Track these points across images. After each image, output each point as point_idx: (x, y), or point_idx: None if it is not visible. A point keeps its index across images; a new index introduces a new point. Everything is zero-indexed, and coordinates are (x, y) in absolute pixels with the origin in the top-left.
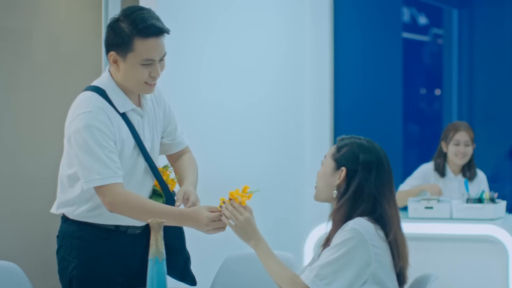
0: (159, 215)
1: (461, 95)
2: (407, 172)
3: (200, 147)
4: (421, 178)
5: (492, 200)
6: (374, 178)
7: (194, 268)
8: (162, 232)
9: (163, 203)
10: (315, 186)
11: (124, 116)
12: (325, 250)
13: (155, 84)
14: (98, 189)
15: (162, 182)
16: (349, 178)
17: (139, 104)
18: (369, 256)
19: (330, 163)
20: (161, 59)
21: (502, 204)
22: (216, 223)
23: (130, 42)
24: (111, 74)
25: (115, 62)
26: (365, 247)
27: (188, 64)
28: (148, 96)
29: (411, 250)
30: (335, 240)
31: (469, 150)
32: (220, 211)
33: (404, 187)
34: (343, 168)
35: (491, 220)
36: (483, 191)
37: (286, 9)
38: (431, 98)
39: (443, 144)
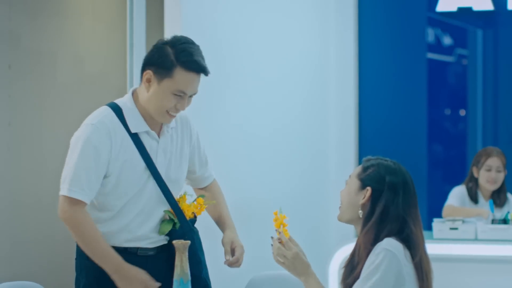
0: (100, 251)
1: (486, 116)
2: (431, 192)
3: (224, 170)
4: (460, 200)
5: None
6: (401, 200)
7: (224, 285)
8: (187, 253)
9: (175, 229)
10: (340, 207)
11: (135, 137)
12: (362, 276)
13: (175, 116)
14: (63, 198)
15: (177, 209)
16: (374, 198)
17: (159, 130)
18: (403, 276)
19: (355, 183)
20: (191, 96)
21: None
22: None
23: (171, 68)
24: (132, 96)
25: (148, 81)
26: (399, 267)
27: (212, 87)
28: (172, 125)
29: (436, 271)
30: (369, 265)
31: (501, 176)
32: None
33: (454, 203)
34: (368, 188)
35: None
36: (508, 212)
37: (311, 31)
38: (455, 118)
39: (474, 170)
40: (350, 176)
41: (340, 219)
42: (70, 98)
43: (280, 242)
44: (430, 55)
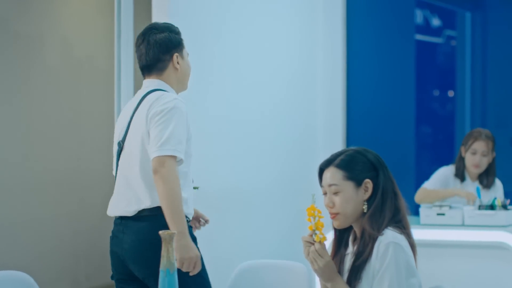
0: (180, 210)
1: (474, 97)
2: (420, 173)
3: (212, 159)
4: (441, 182)
5: (504, 206)
6: (387, 173)
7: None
8: (173, 244)
9: None
10: (336, 216)
11: None
12: (378, 275)
13: None
14: (166, 157)
15: None
16: (375, 186)
17: None
18: (412, 267)
19: (348, 185)
20: None
21: None
22: None
23: (182, 43)
24: (163, 82)
25: (177, 57)
26: (407, 258)
27: (199, 72)
28: None
29: (423, 256)
30: (381, 262)
31: (485, 160)
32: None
33: (430, 186)
34: (367, 180)
35: (503, 226)
36: (495, 198)
37: (299, 13)
38: (444, 100)
39: (462, 149)
40: (327, 185)
41: (341, 226)
42: (57, 81)
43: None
44: (419, 37)
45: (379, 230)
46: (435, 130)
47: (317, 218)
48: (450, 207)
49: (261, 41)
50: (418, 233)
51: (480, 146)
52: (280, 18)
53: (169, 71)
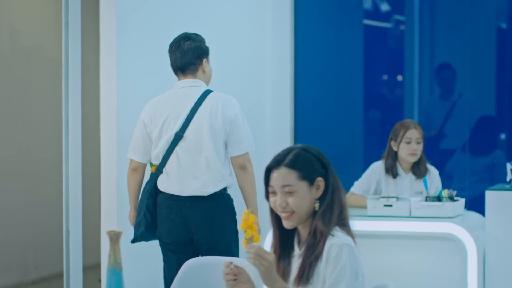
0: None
1: (422, 81)
2: (368, 158)
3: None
4: (370, 181)
5: (451, 198)
6: (332, 167)
7: (156, 274)
8: (119, 243)
9: None
10: (290, 216)
11: None
12: (331, 278)
13: None
14: (247, 154)
15: None
16: (326, 183)
17: None
18: (361, 267)
19: (302, 185)
20: None
21: (461, 202)
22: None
23: (208, 48)
24: (203, 82)
25: (206, 62)
26: (358, 259)
27: (144, 65)
28: None
29: (370, 247)
30: (335, 265)
31: (420, 147)
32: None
33: (356, 190)
34: (320, 179)
35: (449, 218)
36: (442, 189)
37: (246, 0)
38: (392, 84)
39: (392, 144)
40: (280, 186)
41: (294, 226)
42: (5, 70)
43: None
44: (367, 22)
45: (329, 227)
46: (384, 114)
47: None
48: (398, 198)
49: (208, 31)
50: (365, 225)
51: (413, 134)
52: (228, 7)
53: (199, 73)
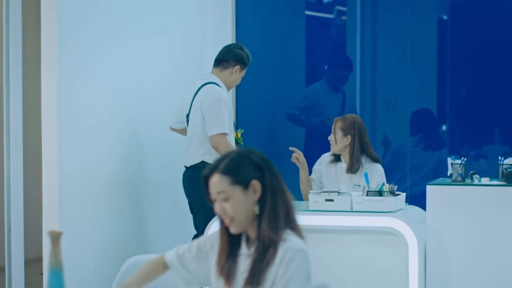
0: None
1: (363, 71)
2: (309, 149)
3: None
4: (317, 165)
5: (392, 192)
6: (274, 170)
7: (96, 273)
8: (60, 243)
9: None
10: (231, 222)
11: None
12: (284, 280)
13: None
14: (220, 134)
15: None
16: (263, 186)
17: None
18: (311, 272)
19: (236, 189)
20: None
21: (402, 196)
22: None
23: (246, 65)
24: (216, 77)
25: (235, 71)
26: (309, 264)
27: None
28: None
29: (312, 242)
30: (284, 271)
31: (333, 138)
32: None
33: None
34: (254, 182)
35: (391, 212)
36: (383, 184)
37: None
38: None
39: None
40: (216, 193)
41: (239, 231)
42: None
43: None
44: (309, 12)
45: (278, 233)
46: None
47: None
48: (339, 193)
49: (149, 21)
50: (307, 219)
51: (333, 124)
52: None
53: (225, 73)
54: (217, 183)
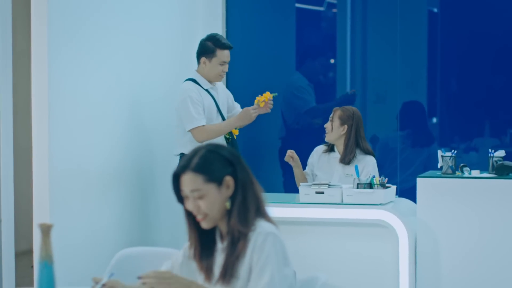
0: (227, 126)
1: (353, 64)
2: (301, 146)
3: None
4: (310, 158)
5: (382, 185)
6: (242, 162)
7: (87, 266)
8: (50, 236)
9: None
10: (204, 218)
11: (207, 91)
12: (258, 265)
13: (223, 76)
14: (198, 128)
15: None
16: (235, 181)
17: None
18: (288, 256)
19: (210, 187)
20: (227, 63)
21: (392, 189)
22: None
23: (214, 52)
24: (197, 72)
25: (204, 63)
26: (284, 247)
27: (76, 52)
28: (218, 85)
29: (302, 235)
30: (258, 256)
31: (329, 126)
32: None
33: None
34: (227, 178)
35: (381, 204)
36: (374, 176)
37: None
38: (325, 67)
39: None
40: (189, 191)
41: (211, 226)
42: None
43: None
44: (299, 5)
45: (248, 226)
46: (317, 97)
47: None
48: (329, 185)
49: (140, 17)
50: (297, 212)
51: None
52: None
53: (200, 67)
54: (191, 181)
